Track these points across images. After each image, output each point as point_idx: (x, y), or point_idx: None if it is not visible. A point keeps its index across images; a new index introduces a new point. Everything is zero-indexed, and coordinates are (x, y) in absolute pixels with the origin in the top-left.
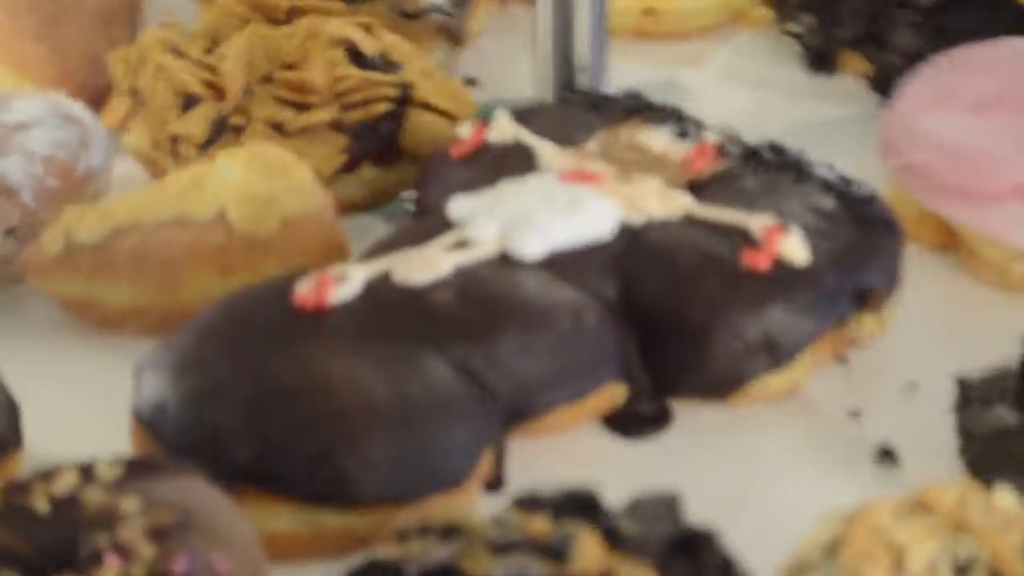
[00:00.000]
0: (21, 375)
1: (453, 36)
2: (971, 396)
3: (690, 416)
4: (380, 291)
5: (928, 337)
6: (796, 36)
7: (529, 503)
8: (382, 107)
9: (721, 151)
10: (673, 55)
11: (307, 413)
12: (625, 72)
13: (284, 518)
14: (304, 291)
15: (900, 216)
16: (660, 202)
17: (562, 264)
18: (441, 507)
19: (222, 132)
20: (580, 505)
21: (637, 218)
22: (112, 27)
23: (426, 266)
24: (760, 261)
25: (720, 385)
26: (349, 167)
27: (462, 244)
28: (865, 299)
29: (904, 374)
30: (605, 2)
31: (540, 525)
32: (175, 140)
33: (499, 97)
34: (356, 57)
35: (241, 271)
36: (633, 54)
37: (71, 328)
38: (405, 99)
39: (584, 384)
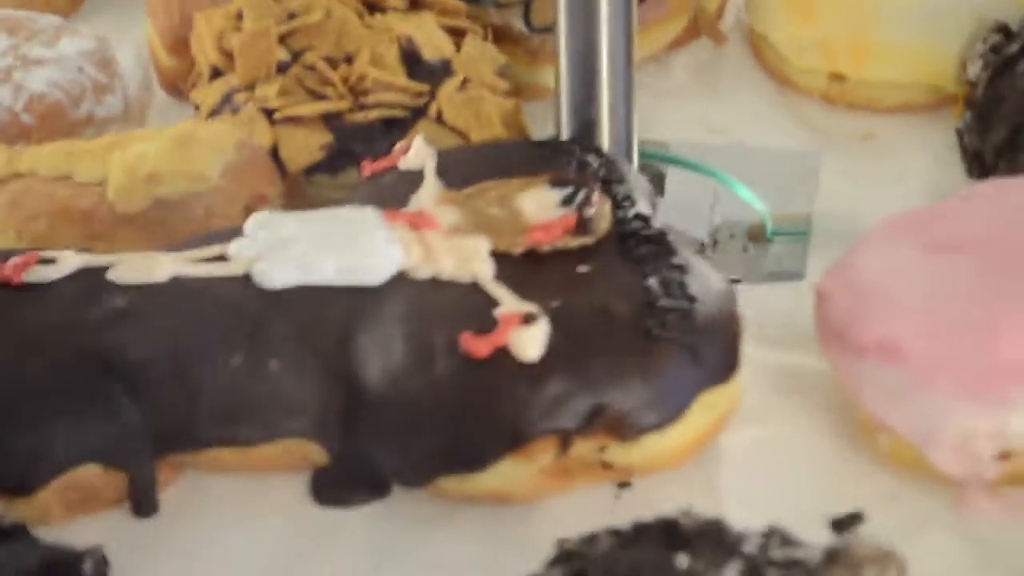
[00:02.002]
0: None
1: None
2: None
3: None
4: (83, 283)
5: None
6: (959, 135)
7: None
8: (377, 113)
9: (584, 227)
10: (845, 127)
11: None
12: (775, 134)
13: None
14: (9, 263)
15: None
16: (456, 264)
17: (298, 301)
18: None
19: (224, 107)
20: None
21: (423, 273)
22: None
23: (145, 268)
24: (478, 347)
25: (405, 474)
26: (329, 167)
27: (221, 257)
28: (598, 419)
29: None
30: (631, 54)
31: None
32: (196, 106)
33: None
34: (411, 59)
35: (104, 240)
36: (803, 117)
37: None
38: (422, 110)
39: (252, 431)
